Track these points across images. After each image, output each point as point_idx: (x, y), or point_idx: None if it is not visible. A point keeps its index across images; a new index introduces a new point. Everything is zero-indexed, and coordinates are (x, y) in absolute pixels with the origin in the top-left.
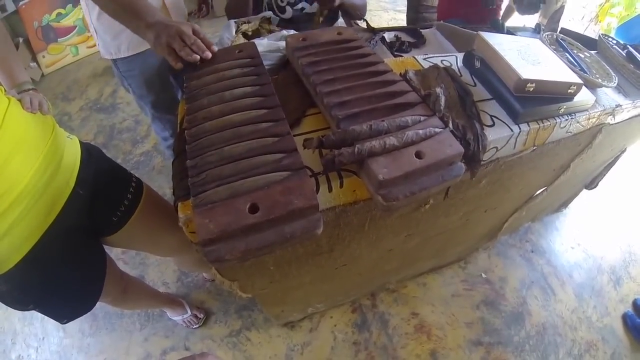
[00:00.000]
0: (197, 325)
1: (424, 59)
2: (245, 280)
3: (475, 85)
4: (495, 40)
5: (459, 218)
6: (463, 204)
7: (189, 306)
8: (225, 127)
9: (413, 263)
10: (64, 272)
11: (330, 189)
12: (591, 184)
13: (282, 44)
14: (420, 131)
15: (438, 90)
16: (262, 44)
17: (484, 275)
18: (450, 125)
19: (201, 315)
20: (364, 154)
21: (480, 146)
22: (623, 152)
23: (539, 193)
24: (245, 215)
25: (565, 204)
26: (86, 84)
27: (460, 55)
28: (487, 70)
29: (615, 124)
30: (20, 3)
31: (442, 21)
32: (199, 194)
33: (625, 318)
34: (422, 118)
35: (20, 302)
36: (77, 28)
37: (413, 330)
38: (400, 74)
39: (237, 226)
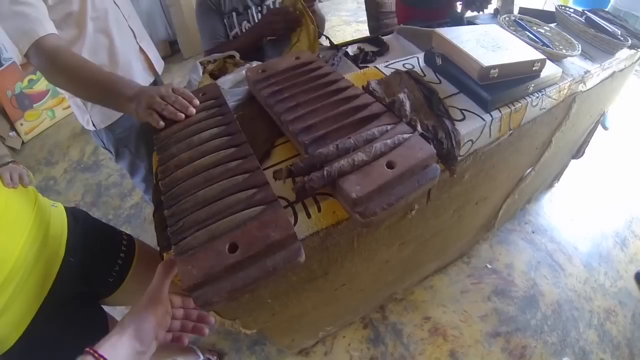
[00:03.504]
0: None
1: (386, 66)
2: (246, 317)
3: (440, 82)
4: (452, 34)
5: (450, 216)
6: (450, 202)
7: (201, 351)
8: (197, 172)
9: (415, 269)
10: (66, 343)
11: (309, 215)
12: (578, 153)
13: None
14: (389, 141)
15: (401, 95)
16: (228, 79)
17: (489, 266)
18: (419, 128)
19: (214, 358)
20: (334, 176)
21: (454, 142)
22: (603, 115)
23: (527, 174)
24: (225, 255)
25: (556, 178)
26: (67, 145)
27: (422, 56)
28: (450, 65)
29: (588, 90)
30: None
31: (402, 25)
32: (179, 242)
33: (638, 277)
34: (389, 127)
35: None
36: (50, 91)
37: (428, 334)
38: (363, 86)
39: (220, 268)
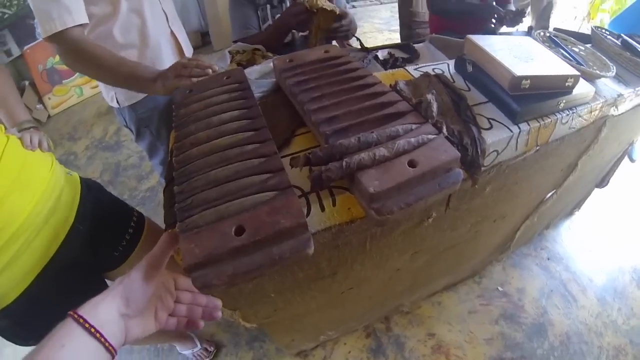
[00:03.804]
0: (207, 359)
1: (415, 69)
2: (247, 309)
3: (469, 89)
4: (485, 42)
5: (467, 230)
6: (469, 215)
7: (199, 340)
8: (212, 151)
9: (426, 282)
10: (64, 308)
11: (322, 208)
12: (602, 182)
13: None
14: (412, 139)
15: (429, 96)
16: (255, 70)
17: (500, 289)
18: (445, 131)
19: (211, 349)
20: (352, 168)
21: (479, 150)
22: (631, 145)
23: (549, 196)
24: (231, 238)
25: (577, 206)
26: (91, 123)
27: (452, 63)
28: (480, 73)
29: (620, 115)
30: (25, 47)
31: (434, 34)
32: (185, 219)
33: None
34: (414, 126)
35: (21, 338)
36: None
37: (430, 351)
38: (391, 85)
39: (223, 249)
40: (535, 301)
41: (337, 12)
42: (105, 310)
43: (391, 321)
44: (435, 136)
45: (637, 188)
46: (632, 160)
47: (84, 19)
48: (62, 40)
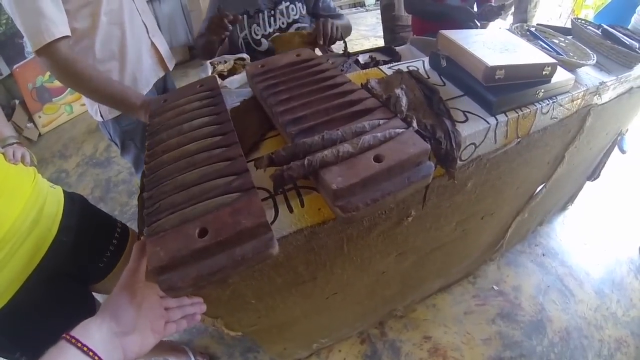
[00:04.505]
0: None
1: (389, 67)
2: (228, 316)
3: (444, 84)
4: (458, 35)
5: (453, 229)
6: (453, 213)
7: (192, 352)
8: (182, 157)
9: (417, 285)
10: (49, 320)
11: (290, 210)
12: (593, 175)
13: None
14: (379, 134)
15: (397, 91)
16: (236, 79)
17: (495, 288)
18: (415, 124)
19: None
20: (315, 166)
21: (454, 143)
22: (620, 135)
23: (539, 191)
24: (194, 240)
25: (570, 200)
26: (81, 140)
27: (427, 59)
28: (454, 67)
29: (604, 104)
30: (14, 66)
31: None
32: (152, 224)
33: None
34: (382, 122)
35: (7, 350)
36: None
37: (427, 355)
38: (362, 84)
39: (187, 251)
40: (532, 298)
41: (309, 33)
42: (97, 330)
43: (385, 326)
44: (403, 130)
45: (629, 179)
46: (622, 151)
47: (68, 32)
48: (51, 54)
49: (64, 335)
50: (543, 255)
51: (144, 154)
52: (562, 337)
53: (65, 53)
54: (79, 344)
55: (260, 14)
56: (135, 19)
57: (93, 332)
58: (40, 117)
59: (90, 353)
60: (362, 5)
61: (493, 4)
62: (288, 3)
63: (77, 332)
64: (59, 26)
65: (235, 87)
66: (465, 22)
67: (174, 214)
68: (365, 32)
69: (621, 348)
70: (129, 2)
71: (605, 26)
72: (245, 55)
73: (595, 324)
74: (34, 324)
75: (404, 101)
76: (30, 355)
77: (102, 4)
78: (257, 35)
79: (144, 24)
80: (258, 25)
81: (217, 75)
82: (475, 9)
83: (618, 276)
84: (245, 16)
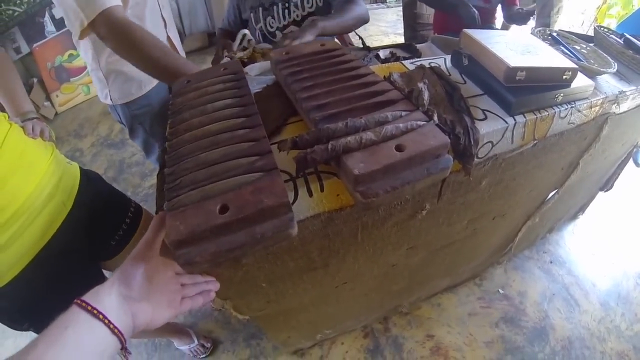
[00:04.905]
0: (204, 355)
1: (411, 62)
2: (238, 299)
3: (465, 82)
4: (482, 35)
5: (464, 227)
6: (465, 210)
7: (196, 335)
8: (204, 136)
9: (424, 282)
10: (58, 293)
11: (310, 193)
12: (606, 185)
13: None
14: (401, 125)
15: (420, 85)
16: (256, 66)
17: (501, 291)
18: (436, 118)
19: (208, 345)
20: (338, 151)
21: (472, 140)
22: (636, 147)
23: (551, 196)
24: (215, 215)
25: (581, 209)
26: (97, 121)
27: (449, 57)
28: (476, 66)
29: (622, 113)
30: (34, 45)
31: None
32: (173, 199)
33: None
34: (404, 113)
35: (16, 321)
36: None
37: (429, 353)
38: (384, 76)
39: (207, 227)
40: (537, 305)
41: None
42: (107, 294)
43: (389, 322)
44: (425, 123)
45: None
46: (637, 164)
47: (119, 2)
48: (109, 21)
49: (75, 300)
50: (550, 262)
51: (153, 138)
52: (564, 346)
53: (122, 17)
54: (89, 307)
55: (275, 7)
56: (155, 13)
57: (103, 296)
58: (57, 96)
59: (100, 316)
60: (383, 1)
61: (518, 6)
62: None
63: (87, 296)
64: None
65: (255, 74)
66: (465, 20)
67: (195, 190)
68: (385, 28)
69: None
70: None
71: (628, 36)
72: (265, 45)
73: (599, 335)
74: (43, 297)
75: (426, 95)
76: (38, 326)
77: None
78: (272, 27)
79: (163, 19)
80: (273, 17)
81: (238, 61)
82: (500, 11)
83: (624, 289)
84: (260, 8)
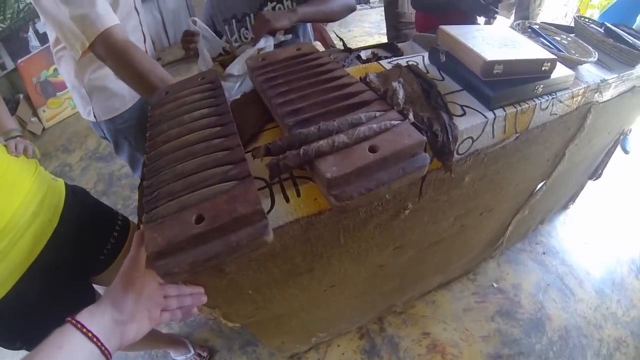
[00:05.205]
0: None
1: (389, 62)
2: (226, 307)
3: (443, 79)
4: (458, 31)
5: (451, 224)
6: (451, 207)
7: (192, 345)
8: (182, 147)
9: (416, 281)
10: (49, 311)
11: (287, 199)
12: (594, 174)
13: None
14: (375, 125)
15: (395, 84)
16: (235, 65)
17: (495, 285)
18: (411, 117)
19: (204, 354)
20: (310, 155)
21: (450, 136)
22: (623, 134)
23: (539, 188)
24: (191, 226)
25: (572, 199)
26: (85, 134)
27: (427, 55)
28: (453, 62)
29: (605, 102)
30: (19, 60)
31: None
32: (151, 211)
33: None
34: (378, 114)
35: (7, 340)
36: None
37: (426, 350)
38: (360, 78)
39: (183, 237)
40: (532, 296)
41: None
42: (100, 317)
43: (384, 322)
44: (399, 122)
45: (631, 179)
46: (626, 152)
47: (118, 20)
48: (108, 42)
49: (69, 319)
50: (543, 253)
51: (138, 152)
52: (562, 336)
53: (122, 38)
54: (84, 329)
55: (247, 18)
56: (136, 29)
57: (97, 318)
58: (44, 111)
59: (94, 339)
60: (367, 2)
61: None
62: (275, 3)
63: (82, 317)
64: (111, 14)
65: (237, 74)
66: (470, 11)
67: (172, 202)
68: (369, 29)
69: (620, 348)
70: (134, 14)
71: (608, 24)
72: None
73: (595, 323)
74: (34, 315)
75: (400, 94)
76: (30, 345)
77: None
78: (246, 38)
79: (143, 34)
80: (246, 29)
81: (219, 64)
82: None
83: (619, 276)
84: (233, 20)
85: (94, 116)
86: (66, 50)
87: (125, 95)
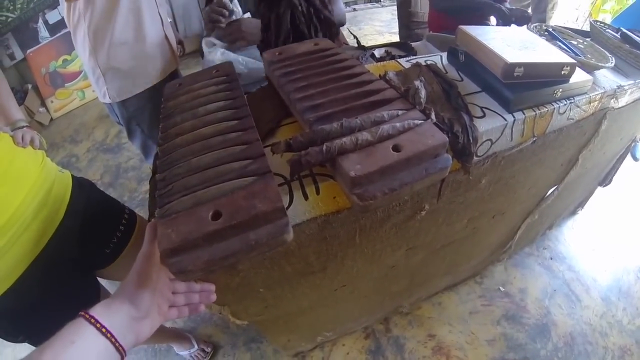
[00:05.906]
0: None
1: (407, 60)
2: (236, 304)
3: (462, 80)
4: (478, 31)
5: (464, 227)
6: (465, 209)
7: (196, 340)
8: (196, 140)
9: (424, 282)
10: (53, 304)
11: (306, 197)
12: (605, 180)
13: None
14: (398, 124)
15: (417, 83)
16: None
17: (502, 289)
18: (433, 117)
19: (208, 349)
20: (333, 152)
21: (471, 138)
22: (634, 142)
23: (550, 193)
24: (207, 222)
25: (581, 204)
26: (93, 126)
27: (445, 55)
28: (473, 63)
29: (620, 107)
30: (28, 51)
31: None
32: (164, 205)
33: None
34: (400, 112)
35: (10, 333)
36: (82, 73)
37: (431, 352)
38: (380, 75)
39: (199, 234)
40: (538, 301)
41: None
42: (116, 313)
43: (390, 322)
44: (422, 121)
45: None
46: (635, 159)
47: None
48: None
49: (83, 313)
50: (551, 259)
51: (150, 140)
52: (567, 342)
53: None
54: (98, 325)
55: None
56: (152, 10)
57: (112, 313)
58: (52, 101)
59: (108, 335)
60: (378, 0)
61: (507, 3)
62: None
63: (96, 311)
64: None
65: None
66: (488, 16)
67: (187, 196)
68: (380, 27)
69: (625, 356)
70: None
71: (624, 30)
72: None
73: (600, 330)
74: (38, 308)
75: (422, 93)
76: (33, 339)
77: None
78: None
79: (160, 16)
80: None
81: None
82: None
83: (625, 284)
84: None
85: (109, 97)
86: (81, 26)
87: (136, 77)
